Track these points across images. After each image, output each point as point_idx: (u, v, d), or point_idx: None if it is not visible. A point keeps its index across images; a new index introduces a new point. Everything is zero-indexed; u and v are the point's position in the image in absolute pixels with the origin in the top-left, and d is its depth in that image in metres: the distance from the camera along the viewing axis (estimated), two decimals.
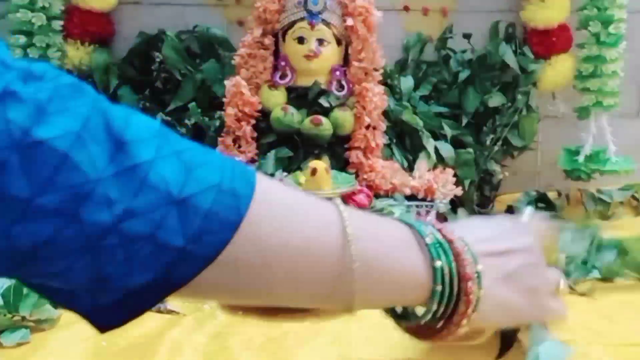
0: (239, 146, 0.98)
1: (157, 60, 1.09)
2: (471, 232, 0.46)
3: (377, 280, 0.41)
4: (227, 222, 0.36)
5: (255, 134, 0.99)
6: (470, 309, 0.43)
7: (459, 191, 0.97)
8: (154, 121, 0.36)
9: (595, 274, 0.78)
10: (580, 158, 1.14)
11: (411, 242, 0.43)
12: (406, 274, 0.42)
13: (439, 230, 0.44)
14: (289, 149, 0.97)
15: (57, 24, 1.06)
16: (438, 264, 0.42)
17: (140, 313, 0.37)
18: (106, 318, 0.36)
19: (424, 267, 0.42)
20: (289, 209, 0.39)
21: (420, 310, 0.44)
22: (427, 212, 0.92)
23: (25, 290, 0.66)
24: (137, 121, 0.35)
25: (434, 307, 0.43)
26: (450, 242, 0.43)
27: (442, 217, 0.94)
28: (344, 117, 0.97)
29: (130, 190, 0.34)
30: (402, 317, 0.46)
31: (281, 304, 0.43)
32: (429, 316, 0.43)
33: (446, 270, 0.42)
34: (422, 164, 1.01)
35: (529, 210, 0.54)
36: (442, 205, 0.94)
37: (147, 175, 0.34)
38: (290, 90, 0.99)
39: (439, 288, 0.42)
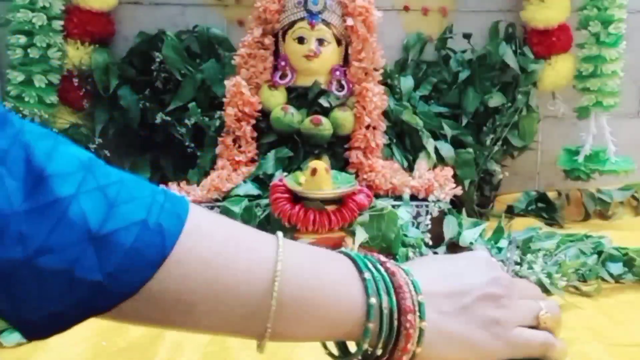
0: (239, 146, 0.98)
1: (157, 60, 1.09)
2: (427, 267, 0.45)
3: (305, 316, 0.40)
4: (149, 259, 0.35)
5: (255, 134, 0.99)
6: (409, 343, 0.41)
7: (459, 191, 0.97)
8: (83, 153, 0.36)
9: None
10: (580, 158, 1.15)
11: (350, 277, 0.42)
12: (339, 310, 0.41)
13: (382, 264, 0.43)
14: (289, 149, 0.97)
15: (57, 24, 1.06)
16: (372, 300, 0.41)
17: (66, 329, 0.36)
18: (32, 330, 0.36)
19: (360, 303, 0.41)
20: (220, 245, 0.38)
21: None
22: (427, 212, 0.92)
23: None
24: (63, 154, 0.35)
25: (365, 345, 0.41)
26: (392, 275, 0.42)
27: (441, 216, 0.94)
28: (344, 117, 0.97)
29: (47, 226, 0.33)
30: (341, 354, 0.44)
31: (207, 333, 0.41)
32: (360, 354, 0.42)
33: (385, 305, 0.41)
34: (422, 164, 1.01)
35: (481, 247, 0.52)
36: (442, 205, 0.94)
37: (66, 211, 0.34)
38: (290, 90, 0.99)
39: (370, 325, 0.41)
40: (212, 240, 0.38)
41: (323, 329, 0.42)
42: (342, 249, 0.47)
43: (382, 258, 0.44)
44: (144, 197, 0.36)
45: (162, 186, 0.40)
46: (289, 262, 0.40)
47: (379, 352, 0.42)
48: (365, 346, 0.41)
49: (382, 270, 0.43)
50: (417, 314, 0.42)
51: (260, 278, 0.39)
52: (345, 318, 0.41)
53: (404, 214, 0.88)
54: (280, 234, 0.41)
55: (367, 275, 0.42)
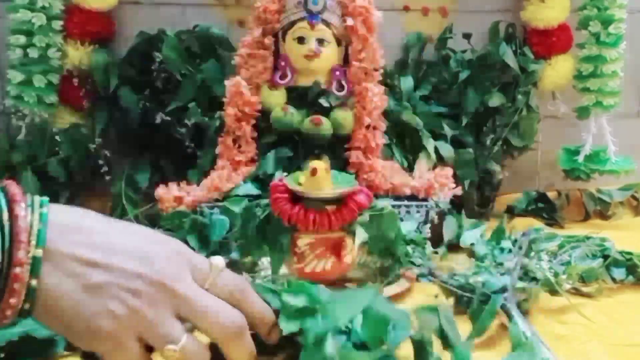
0: (239, 146, 0.98)
1: (157, 60, 1.08)
2: (81, 227, 0.43)
3: None
4: None
5: (255, 134, 0.99)
6: (13, 298, 0.39)
7: (459, 191, 0.97)
8: None
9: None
10: (580, 158, 1.15)
11: None
12: None
13: (11, 204, 0.40)
14: (289, 149, 0.97)
15: (57, 24, 1.06)
16: None
17: None
18: None
19: None
20: None
21: None
22: (427, 212, 0.92)
23: None
24: None
25: None
26: (14, 218, 0.40)
27: (441, 217, 0.94)
28: (344, 117, 0.97)
29: None
30: None
31: None
32: None
33: None
34: (422, 164, 1.01)
35: (217, 260, 0.48)
36: (442, 205, 0.94)
37: None
38: (290, 90, 0.99)
39: None
40: None
41: None
42: None
43: (16, 195, 0.41)
44: None
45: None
46: None
47: None
48: None
49: (5, 214, 0.40)
50: (28, 268, 0.39)
51: None
52: None
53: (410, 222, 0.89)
54: None
55: None
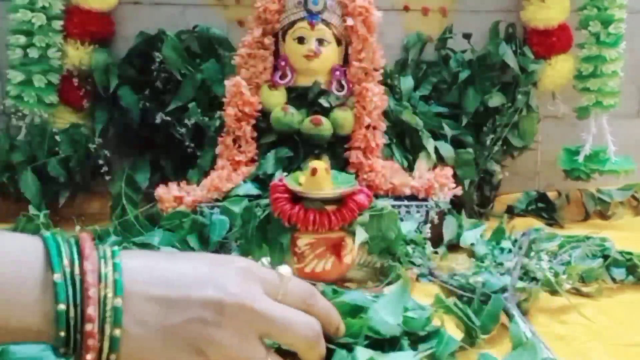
0: (239, 146, 0.98)
1: (157, 60, 1.09)
2: (152, 268, 0.42)
3: None
4: None
5: (255, 134, 0.99)
6: (90, 355, 0.38)
7: (459, 191, 0.97)
8: None
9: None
10: (580, 158, 1.15)
11: (32, 278, 0.38)
12: (12, 316, 0.38)
13: (82, 260, 0.39)
14: (289, 149, 0.96)
15: (57, 24, 1.06)
16: (61, 307, 0.37)
17: None
18: None
19: (47, 308, 0.38)
20: None
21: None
22: (427, 212, 0.92)
23: None
24: None
25: (61, 350, 0.38)
26: (83, 274, 0.39)
27: (441, 217, 0.94)
28: (344, 117, 0.97)
29: None
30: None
31: None
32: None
33: (71, 314, 0.38)
34: (422, 164, 1.01)
35: (285, 269, 0.48)
36: (442, 205, 0.94)
37: None
38: (290, 90, 0.99)
39: (62, 334, 0.38)
40: None
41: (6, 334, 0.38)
42: (42, 232, 0.43)
43: (90, 250, 0.40)
44: None
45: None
46: None
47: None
48: (62, 350, 0.39)
49: (77, 269, 0.39)
50: (110, 320, 0.39)
51: None
52: (21, 324, 0.38)
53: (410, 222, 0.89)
54: None
55: (58, 277, 0.38)
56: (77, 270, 0.39)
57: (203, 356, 0.41)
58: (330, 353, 0.49)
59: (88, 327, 0.38)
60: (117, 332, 0.39)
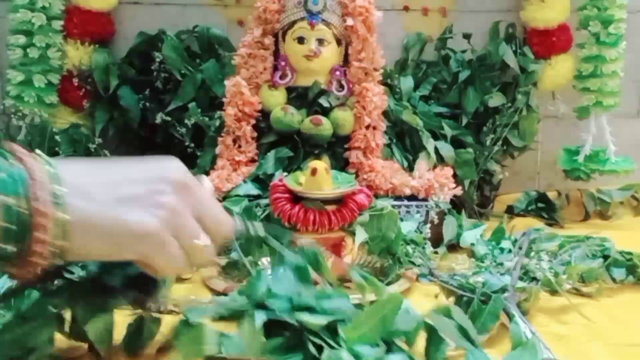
0: (239, 146, 0.98)
1: (157, 60, 1.09)
2: (99, 166, 0.46)
3: None
4: None
5: (255, 134, 0.99)
6: (43, 233, 0.40)
7: (459, 191, 0.97)
8: None
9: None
10: (580, 158, 1.15)
11: None
12: None
13: (19, 156, 0.42)
14: (289, 149, 0.96)
15: (57, 24, 1.06)
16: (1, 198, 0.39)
17: None
18: None
19: None
20: None
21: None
22: (427, 212, 0.92)
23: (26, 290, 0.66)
24: None
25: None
26: (28, 169, 0.41)
27: (441, 217, 0.94)
28: (344, 117, 0.97)
29: None
30: None
31: None
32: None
33: (12, 201, 0.40)
34: (422, 164, 1.01)
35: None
36: (442, 205, 0.94)
37: None
38: (290, 90, 0.99)
39: (3, 224, 0.40)
40: None
41: None
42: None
43: (21, 152, 0.43)
44: None
45: None
46: None
47: (14, 248, 0.41)
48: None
49: (19, 164, 0.42)
50: (53, 204, 0.41)
51: None
52: None
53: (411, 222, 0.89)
54: None
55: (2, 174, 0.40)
56: (18, 165, 0.41)
57: (159, 219, 0.44)
58: (319, 350, 0.48)
59: (40, 206, 0.40)
60: (62, 215, 0.41)
